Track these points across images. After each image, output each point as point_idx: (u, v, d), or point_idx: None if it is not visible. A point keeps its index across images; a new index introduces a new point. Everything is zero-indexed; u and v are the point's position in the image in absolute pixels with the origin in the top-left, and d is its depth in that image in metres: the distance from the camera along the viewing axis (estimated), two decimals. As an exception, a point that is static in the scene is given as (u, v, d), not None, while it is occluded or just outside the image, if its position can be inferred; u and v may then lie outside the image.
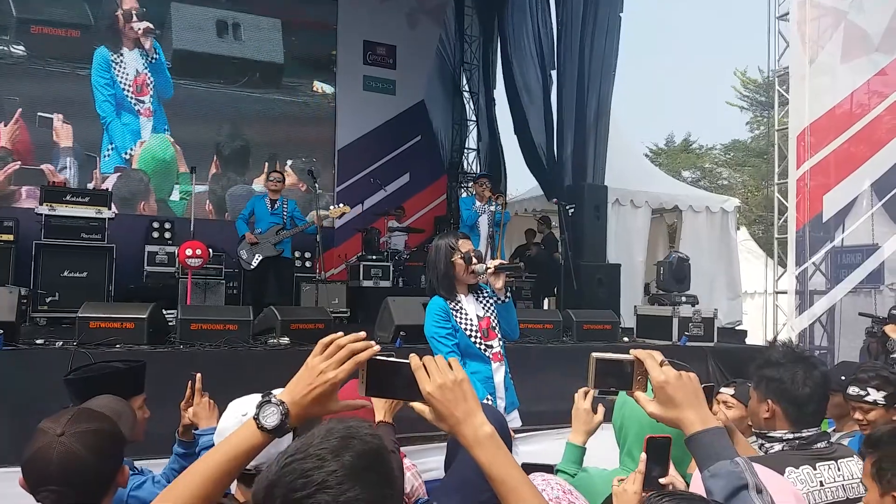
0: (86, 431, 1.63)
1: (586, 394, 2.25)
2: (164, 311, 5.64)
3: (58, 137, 9.30)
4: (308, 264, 9.29)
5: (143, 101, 9.87)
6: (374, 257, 9.00)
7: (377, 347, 1.25)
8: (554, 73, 9.98)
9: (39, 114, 9.18)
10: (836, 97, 7.96)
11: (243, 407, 1.79)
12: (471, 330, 3.27)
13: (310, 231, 7.31)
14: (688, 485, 1.71)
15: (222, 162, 10.37)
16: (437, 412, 1.22)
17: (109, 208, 7.21)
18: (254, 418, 1.22)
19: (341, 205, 7.41)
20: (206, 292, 8.00)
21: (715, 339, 6.83)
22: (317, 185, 7.80)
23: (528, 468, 1.53)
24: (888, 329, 4.58)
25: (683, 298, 7.03)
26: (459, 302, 3.30)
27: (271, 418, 1.21)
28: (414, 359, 1.24)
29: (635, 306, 7.77)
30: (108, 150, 9.62)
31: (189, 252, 6.76)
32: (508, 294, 3.38)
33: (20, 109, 9.10)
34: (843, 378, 2.95)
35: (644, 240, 10.11)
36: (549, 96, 9.98)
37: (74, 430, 1.61)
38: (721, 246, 10.48)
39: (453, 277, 3.29)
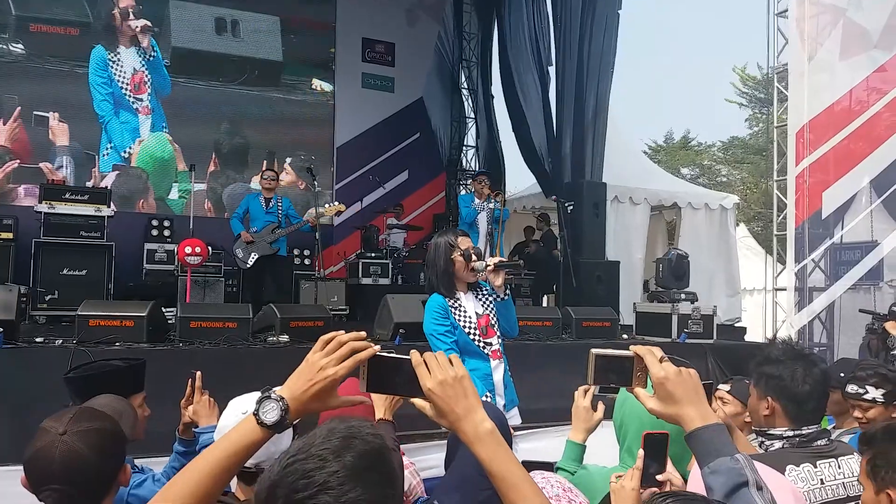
0: (88, 430, 1.63)
1: (586, 391, 2.25)
2: (164, 309, 5.63)
3: (54, 136, 9.29)
4: (307, 262, 9.29)
5: (141, 99, 9.87)
6: (372, 255, 9.00)
7: (377, 347, 1.26)
8: (552, 70, 9.98)
9: (35, 112, 9.17)
10: (835, 94, 7.96)
11: (244, 405, 1.79)
12: (469, 327, 3.27)
13: (304, 229, 7.32)
14: (685, 481, 1.71)
15: (221, 160, 10.37)
16: (438, 408, 1.22)
17: (109, 206, 7.21)
18: (253, 414, 1.22)
19: (336, 203, 7.43)
20: (205, 290, 8.01)
21: (714, 336, 6.83)
22: (316, 183, 7.80)
23: (528, 466, 1.53)
24: (889, 326, 4.58)
25: (683, 295, 7.03)
26: (459, 299, 3.31)
27: (271, 414, 1.21)
28: (415, 355, 1.25)
29: (634, 303, 7.77)
30: (106, 148, 9.62)
31: (188, 250, 6.75)
32: (508, 292, 3.38)
33: (19, 108, 9.09)
34: (842, 375, 2.94)
35: (643, 237, 10.11)
36: (548, 93, 9.98)
37: (77, 429, 1.61)
38: (720, 243, 10.49)
39: (453, 275, 3.29)
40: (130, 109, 9.79)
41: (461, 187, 12.42)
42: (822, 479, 1.93)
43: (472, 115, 12.70)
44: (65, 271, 6.78)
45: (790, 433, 2.00)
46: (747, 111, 26.96)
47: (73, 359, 4.12)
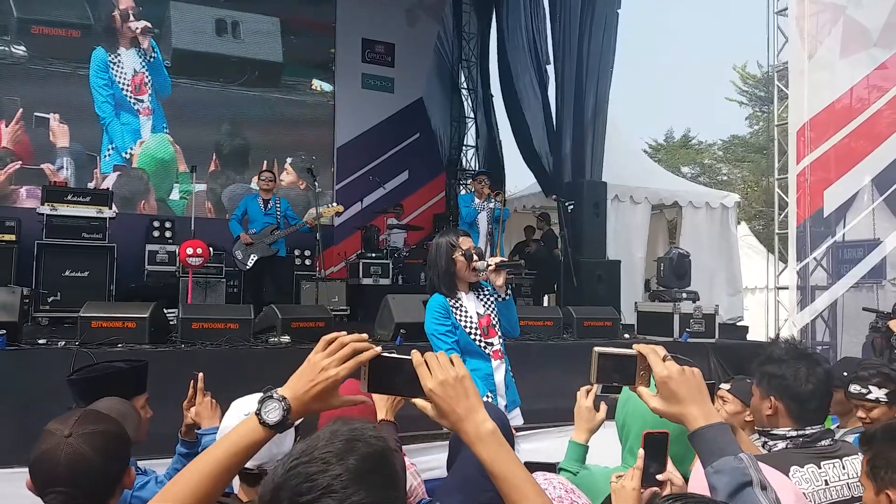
0: (93, 433, 1.63)
1: (588, 391, 2.25)
2: (165, 311, 5.64)
3: (55, 137, 9.30)
4: (308, 262, 9.30)
5: (141, 100, 9.87)
6: (373, 255, 9.00)
7: (379, 348, 1.26)
8: (551, 70, 9.97)
9: (36, 114, 9.18)
10: (836, 92, 7.95)
11: (246, 406, 1.79)
12: (471, 327, 3.27)
13: (303, 231, 7.33)
14: (686, 480, 1.70)
15: (222, 161, 10.37)
16: (439, 409, 1.22)
17: (110, 208, 7.22)
18: (255, 414, 1.22)
19: (335, 204, 7.44)
20: (206, 291, 8.00)
21: (716, 336, 6.83)
22: (316, 184, 7.81)
23: (530, 467, 1.52)
24: (892, 324, 4.58)
25: (684, 295, 7.02)
26: (460, 299, 3.30)
27: (273, 414, 1.21)
28: (416, 355, 1.24)
29: (636, 303, 7.77)
30: (107, 150, 9.63)
31: (190, 251, 6.76)
32: (509, 291, 3.38)
33: (21, 110, 9.10)
34: (845, 374, 2.94)
35: (644, 236, 10.10)
36: (547, 93, 9.97)
37: (82, 432, 1.62)
38: (721, 242, 10.47)
39: (454, 275, 3.29)
40: (131, 111, 9.80)
41: (461, 187, 12.41)
42: (826, 480, 1.92)
43: (472, 115, 12.69)
44: (67, 273, 6.79)
45: (794, 433, 1.99)
46: (748, 109, 26.96)
47: (75, 360, 4.13)
